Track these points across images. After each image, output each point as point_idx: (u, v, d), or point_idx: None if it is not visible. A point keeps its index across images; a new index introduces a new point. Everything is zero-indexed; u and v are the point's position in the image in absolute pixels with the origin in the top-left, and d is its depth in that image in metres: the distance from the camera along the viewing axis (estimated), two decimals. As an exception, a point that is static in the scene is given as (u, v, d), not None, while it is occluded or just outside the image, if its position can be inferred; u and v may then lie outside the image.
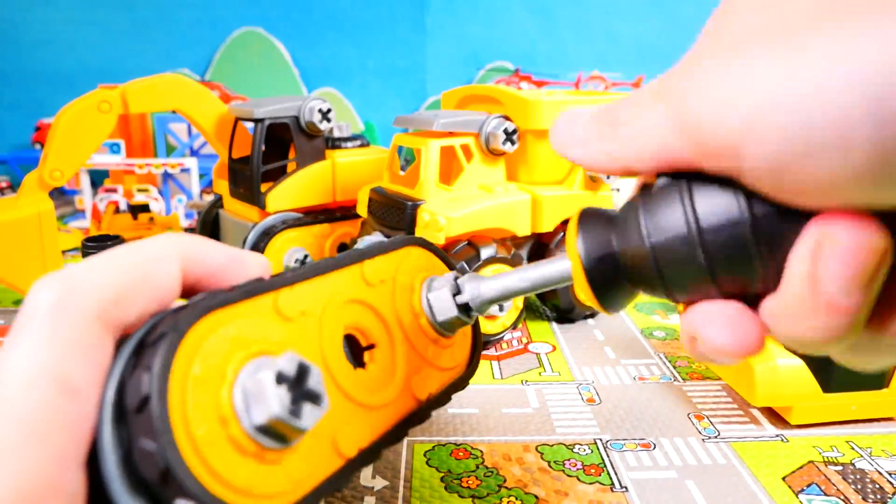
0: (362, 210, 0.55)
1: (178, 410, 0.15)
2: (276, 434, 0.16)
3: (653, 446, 0.38)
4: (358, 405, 0.21)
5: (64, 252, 0.74)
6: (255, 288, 0.18)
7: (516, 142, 0.51)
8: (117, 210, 0.81)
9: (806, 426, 0.40)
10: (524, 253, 0.55)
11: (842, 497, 0.33)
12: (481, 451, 0.37)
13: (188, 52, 1.30)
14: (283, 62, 1.32)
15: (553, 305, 0.56)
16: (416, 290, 0.24)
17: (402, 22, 1.34)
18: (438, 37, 1.35)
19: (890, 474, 0.35)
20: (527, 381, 0.46)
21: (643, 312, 0.60)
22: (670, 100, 0.16)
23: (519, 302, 0.53)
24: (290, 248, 0.58)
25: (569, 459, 0.37)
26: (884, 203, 0.13)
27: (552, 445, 0.38)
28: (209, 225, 0.67)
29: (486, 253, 0.48)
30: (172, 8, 1.28)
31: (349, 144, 0.63)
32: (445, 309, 0.24)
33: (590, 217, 0.19)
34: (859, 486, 0.34)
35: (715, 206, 0.16)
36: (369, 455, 0.21)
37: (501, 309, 0.50)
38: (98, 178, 0.97)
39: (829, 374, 0.38)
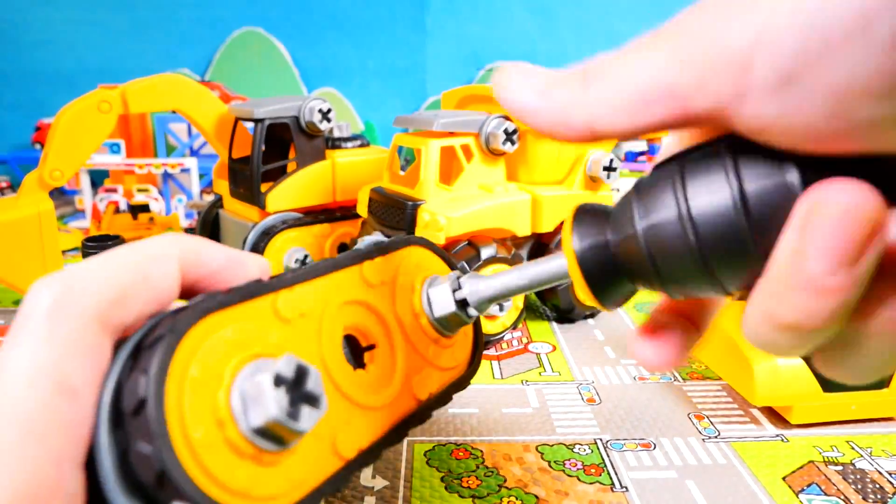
0: (362, 210, 0.55)
1: (174, 413, 0.15)
2: (274, 436, 0.16)
3: (653, 446, 0.38)
4: (357, 406, 0.21)
5: (64, 252, 0.74)
6: (254, 290, 0.18)
7: (516, 142, 0.51)
8: (117, 210, 0.81)
9: (806, 426, 0.39)
10: (524, 253, 0.55)
11: (842, 497, 0.33)
12: (481, 451, 0.37)
13: (188, 52, 1.30)
14: (283, 62, 1.32)
15: (553, 305, 0.56)
16: (416, 291, 0.24)
17: (402, 22, 1.34)
18: (438, 37, 1.35)
19: (890, 474, 0.35)
20: (527, 381, 0.46)
21: (643, 312, 0.60)
22: (666, 41, 0.15)
23: (519, 302, 0.53)
24: (290, 248, 0.58)
25: (569, 459, 0.37)
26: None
27: (552, 445, 0.38)
28: (209, 225, 0.67)
29: (486, 253, 0.48)
30: (172, 8, 1.28)
31: (349, 144, 0.63)
32: (444, 305, 0.24)
33: (585, 212, 0.19)
34: (859, 486, 0.34)
35: (707, 189, 0.15)
36: (369, 456, 0.21)
37: (501, 309, 0.50)
38: (98, 178, 0.97)
39: (829, 374, 0.38)
